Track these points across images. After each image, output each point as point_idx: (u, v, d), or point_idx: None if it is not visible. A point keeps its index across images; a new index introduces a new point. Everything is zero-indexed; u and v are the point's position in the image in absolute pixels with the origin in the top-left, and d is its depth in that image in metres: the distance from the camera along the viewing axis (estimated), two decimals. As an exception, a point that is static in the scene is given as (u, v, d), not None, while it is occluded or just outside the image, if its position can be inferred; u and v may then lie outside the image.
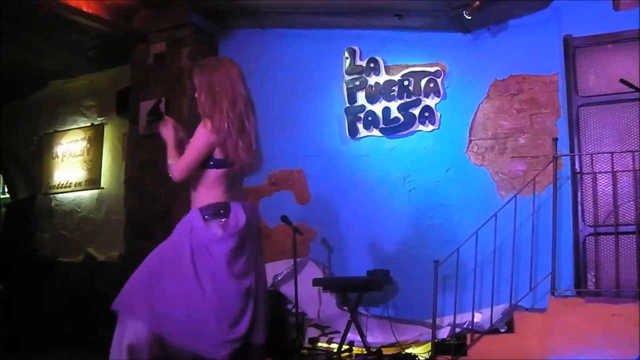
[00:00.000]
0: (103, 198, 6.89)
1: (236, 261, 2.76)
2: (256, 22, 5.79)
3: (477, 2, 4.52)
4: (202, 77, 2.91)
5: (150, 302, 2.67)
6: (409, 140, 5.24)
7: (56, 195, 7.27)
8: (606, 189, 4.44)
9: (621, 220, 4.33)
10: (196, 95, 2.93)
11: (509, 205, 4.38)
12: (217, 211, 2.79)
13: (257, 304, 2.80)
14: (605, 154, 4.46)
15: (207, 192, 2.82)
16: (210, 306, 2.67)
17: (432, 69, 5.16)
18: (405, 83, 5.23)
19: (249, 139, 2.87)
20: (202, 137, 2.79)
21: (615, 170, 4.42)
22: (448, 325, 4.40)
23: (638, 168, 4.32)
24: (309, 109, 5.62)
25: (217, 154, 2.80)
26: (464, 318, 4.38)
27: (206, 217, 2.78)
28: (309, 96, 5.63)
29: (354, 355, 4.57)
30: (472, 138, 5.05)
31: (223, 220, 2.78)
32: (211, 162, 2.80)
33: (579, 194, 4.50)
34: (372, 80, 5.37)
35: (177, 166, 2.82)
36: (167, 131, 2.92)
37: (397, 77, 5.28)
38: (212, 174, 2.82)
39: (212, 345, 2.67)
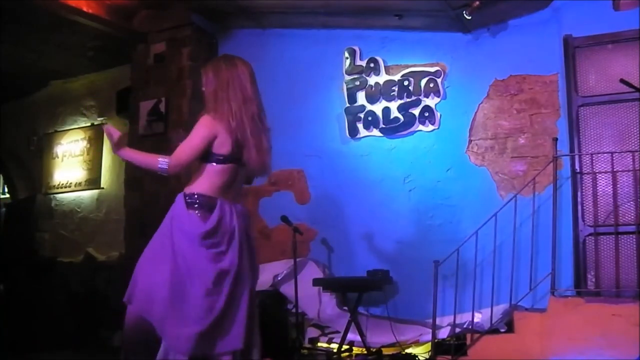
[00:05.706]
0: (103, 198, 6.89)
1: (208, 251, 2.71)
2: (256, 22, 5.79)
3: (477, 2, 4.52)
4: (212, 73, 2.89)
5: (136, 286, 2.71)
6: (409, 140, 5.24)
7: (56, 195, 7.28)
8: (606, 189, 4.44)
9: (621, 220, 4.33)
10: (203, 89, 2.92)
11: (509, 205, 4.38)
12: (201, 202, 2.75)
13: (238, 311, 2.71)
14: (605, 154, 4.45)
15: (200, 182, 2.80)
16: (172, 287, 2.65)
17: (432, 69, 5.16)
18: (405, 83, 5.23)
19: (263, 140, 2.87)
20: (202, 127, 2.76)
21: (615, 170, 4.41)
22: (448, 325, 4.40)
23: (638, 168, 4.32)
24: (309, 109, 5.61)
25: (221, 150, 2.78)
26: (464, 318, 4.38)
27: (188, 200, 2.75)
28: (309, 96, 5.63)
29: (354, 355, 4.57)
30: (472, 138, 5.05)
31: (205, 213, 2.73)
32: (213, 157, 2.79)
33: (579, 194, 4.50)
34: (372, 80, 5.37)
35: (174, 160, 2.76)
36: (125, 151, 2.86)
37: (397, 77, 5.28)
38: (212, 167, 2.80)
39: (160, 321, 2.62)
